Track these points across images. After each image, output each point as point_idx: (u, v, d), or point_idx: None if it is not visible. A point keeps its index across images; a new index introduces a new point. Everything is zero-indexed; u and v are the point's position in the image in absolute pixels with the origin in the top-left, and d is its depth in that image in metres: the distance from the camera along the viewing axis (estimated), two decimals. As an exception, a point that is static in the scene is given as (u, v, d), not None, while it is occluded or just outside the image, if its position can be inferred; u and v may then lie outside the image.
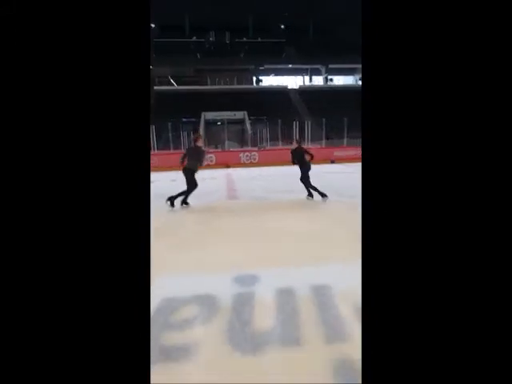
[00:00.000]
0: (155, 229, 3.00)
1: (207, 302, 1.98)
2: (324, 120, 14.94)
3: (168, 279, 2.34)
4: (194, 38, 23.60)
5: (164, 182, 7.84)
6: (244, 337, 1.63)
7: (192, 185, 4.75)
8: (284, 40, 24.35)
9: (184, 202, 4.87)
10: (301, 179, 5.24)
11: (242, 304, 1.95)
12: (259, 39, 24.38)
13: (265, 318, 1.80)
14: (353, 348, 1.48)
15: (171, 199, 4.78)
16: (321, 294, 2.03)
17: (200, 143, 4.84)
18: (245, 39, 24.21)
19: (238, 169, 11.87)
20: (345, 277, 2.25)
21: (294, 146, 5.36)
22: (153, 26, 23.32)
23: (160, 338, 1.64)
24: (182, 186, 4.86)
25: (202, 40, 23.57)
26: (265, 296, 2.04)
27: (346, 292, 2.02)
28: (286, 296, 2.03)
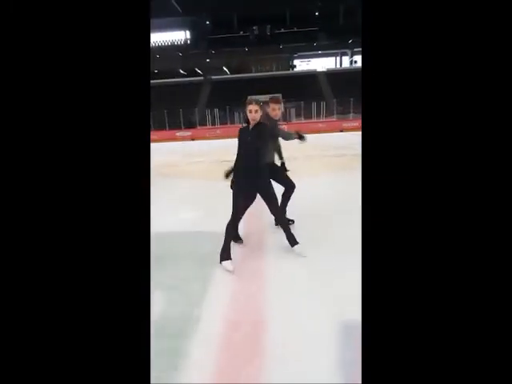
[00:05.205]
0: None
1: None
2: (335, 100, 20.38)
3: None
4: (241, 32, 29.07)
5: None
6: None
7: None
8: (317, 28, 28.58)
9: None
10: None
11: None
12: (295, 29, 28.92)
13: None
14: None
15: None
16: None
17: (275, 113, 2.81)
18: (282, 30, 28.96)
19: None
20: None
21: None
22: (207, 23, 29.27)
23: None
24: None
25: (248, 34, 28.96)
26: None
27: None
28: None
